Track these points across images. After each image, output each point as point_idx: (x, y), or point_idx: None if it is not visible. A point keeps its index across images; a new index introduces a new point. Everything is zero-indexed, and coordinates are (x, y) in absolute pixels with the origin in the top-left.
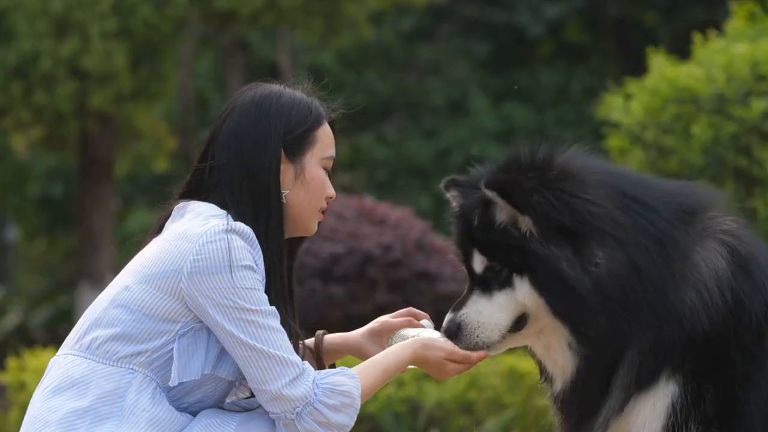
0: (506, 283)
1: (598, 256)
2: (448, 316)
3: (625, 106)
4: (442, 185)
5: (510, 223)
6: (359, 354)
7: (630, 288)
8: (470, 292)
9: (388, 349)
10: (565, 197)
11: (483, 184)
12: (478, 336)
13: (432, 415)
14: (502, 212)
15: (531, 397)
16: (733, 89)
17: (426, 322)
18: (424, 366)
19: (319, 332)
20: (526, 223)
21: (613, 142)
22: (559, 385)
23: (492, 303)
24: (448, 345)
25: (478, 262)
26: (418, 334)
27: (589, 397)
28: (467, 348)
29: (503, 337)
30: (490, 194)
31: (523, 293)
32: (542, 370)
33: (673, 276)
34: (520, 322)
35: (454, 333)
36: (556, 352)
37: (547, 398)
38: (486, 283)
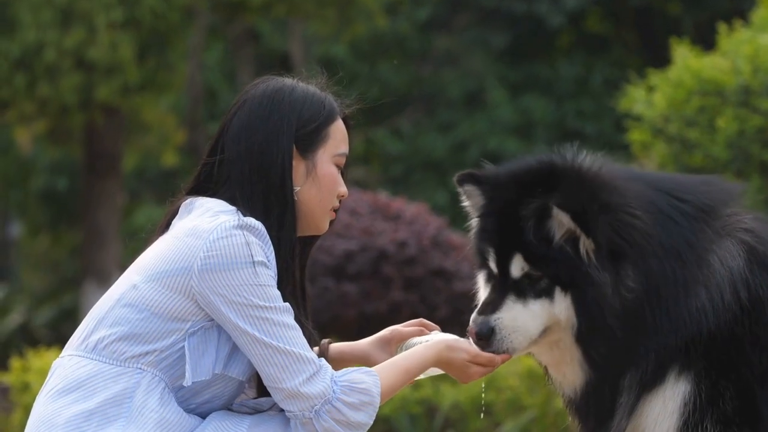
0: (544, 294)
1: (631, 278)
2: (479, 318)
3: (647, 98)
4: (455, 179)
5: (568, 239)
6: (366, 363)
7: (648, 308)
8: (502, 295)
9: (411, 350)
10: (626, 225)
11: (554, 203)
12: (511, 342)
13: (449, 416)
14: (562, 229)
15: (550, 399)
16: (759, 81)
17: (436, 333)
18: (448, 368)
19: (325, 341)
20: (587, 246)
21: (636, 135)
22: (569, 392)
23: (527, 310)
24: (473, 347)
25: (518, 267)
26: (429, 341)
27: (601, 403)
28: (495, 352)
29: (528, 344)
30: (562, 215)
31: (561, 308)
32: (549, 378)
33: (686, 283)
34: (543, 332)
35: (487, 336)
36: (566, 366)
37: (562, 402)
38: (521, 289)
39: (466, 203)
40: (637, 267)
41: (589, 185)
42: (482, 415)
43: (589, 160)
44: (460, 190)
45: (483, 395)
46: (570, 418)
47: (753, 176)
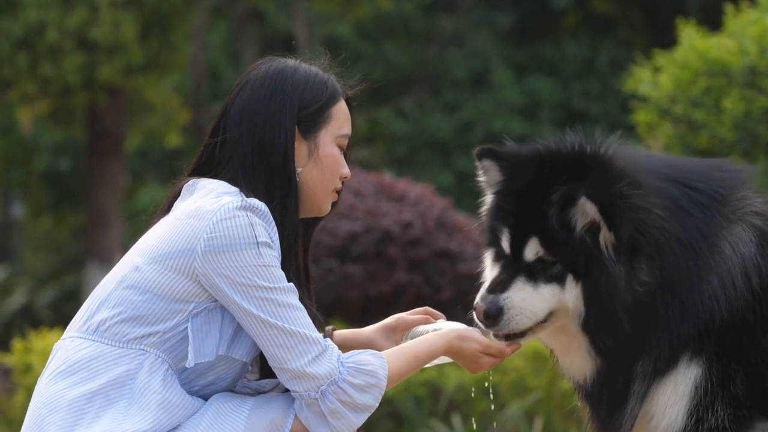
0: (555, 279)
1: (645, 272)
2: (488, 297)
3: (653, 79)
4: (475, 152)
5: (589, 230)
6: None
7: (661, 300)
8: (513, 276)
9: (422, 337)
10: (647, 222)
11: (584, 193)
12: (517, 323)
13: (453, 398)
14: (585, 219)
15: (555, 380)
16: (765, 62)
17: (442, 322)
18: (458, 357)
19: (328, 328)
20: (607, 238)
21: (641, 116)
22: (579, 379)
23: (536, 293)
24: (484, 338)
25: (532, 251)
26: (436, 329)
27: (615, 391)
28: (498, 331)
29: (533, 326)
30: (589, 206)
31: (571, 296)
32: (557, 362)
33: (699, 272)
34: (548, 316)
35: (495, 315)
36: (573, 354)
37: (572, 385)
38: (532, 272)
39: (481, 178)
40: (653, 261)
41: (617, 178)
42: (492, 399)
43: (612, 147)
44: (477, 164)
45: (490, 378)
46: (579, 403)
47: (759, 158)
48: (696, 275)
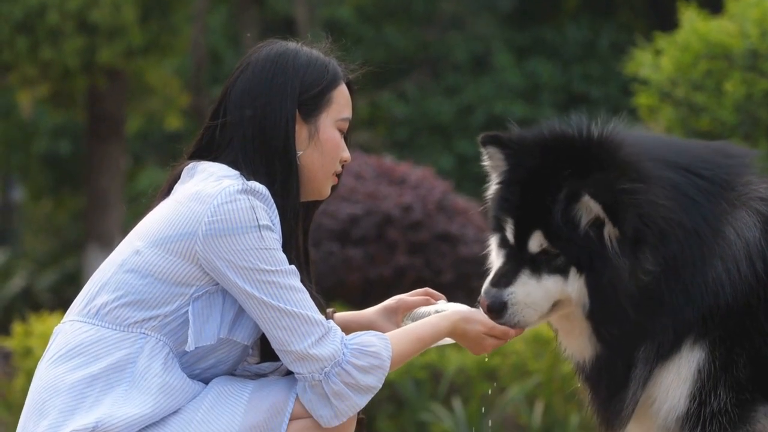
0: (559, 271)
1: (649, 261)
2: (492, 291)
3: (654, 62)
4: (479, 139)
5: (593, 225)
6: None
7: (665, 287)
8: (517, 269)
9: (425, 319)
10: (652, 215)
11: (587, 192)
12: (523, 316)
13: (454, 381)
14: (590, 215)
15: (556, 364)
16: (766, 45)
17: (442, 303)
18: (462, 339)
19: (329, 310)
20: (611, 233)
21: (642, 99)
22: (580, 362)
23: (540, 286)
24: (488, 320)
25: (536, 243)
26: (437, 310)
27: (615, 375)
28: (504, 324)
29: (538, 318)
30: (593, 204)
31: (575, 287)
32: (560, 342)
33: (703, 258)
34: (553, 306)
35: (499, 309)
36: (577, 339)
37: (572, 367)
38: (536, 264)
39: (486, 164)
40: (657, 250)
41: (621, 173)
42: (494, 384)
43: (618, 133)
44: (482, 150)
45: (486, 359)
46: (579, 385)
47: (761, 140)
48: (700, 260)
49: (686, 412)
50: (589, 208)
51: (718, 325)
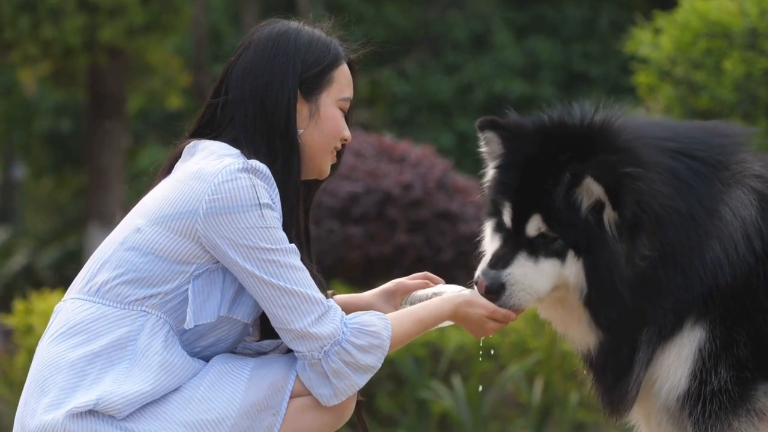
0: (557, 254)
1: (646, 247)
2: (490, 272)
3: (654, 40)
4: (477, 123)
5: (592, 209)
6: None
7: (663, 272)
8: (514, 251)
9: (428, 301)
10: (651, 201)
11: (589, 174)
12: (519, 298)
13: (454, 359)
14: (591, 198)
15: (555, 342)
16: (766, 23)
17: (441, 286)
18: (464, 322)
19: (329, 292)
20: (610, 217)
21: (642, 78)
22: (583, 350)
23: (537, 269)
24: (490, 304)
25: (534, 227)
26: (435, 293)
27: (619, 360)
28: (500, 305)
29: (534, 300)
30: (595, 187)
31: (572, 271)
32: (563, 334)
33: (699, 239)
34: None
35: (497, 290)
36: (575, 327)
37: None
38: (534, 247)
39: (483, 149)
40: (654, 236)
41: (622, 158)
42: (484, 358)
43: (617, 120)
44: (480, 135)
45: (480, 345)
46: (583, 371)
47: (760, 119)
48: (697, 243)
49: (687, 390)
50: (591, 191)
51: (719, 305)
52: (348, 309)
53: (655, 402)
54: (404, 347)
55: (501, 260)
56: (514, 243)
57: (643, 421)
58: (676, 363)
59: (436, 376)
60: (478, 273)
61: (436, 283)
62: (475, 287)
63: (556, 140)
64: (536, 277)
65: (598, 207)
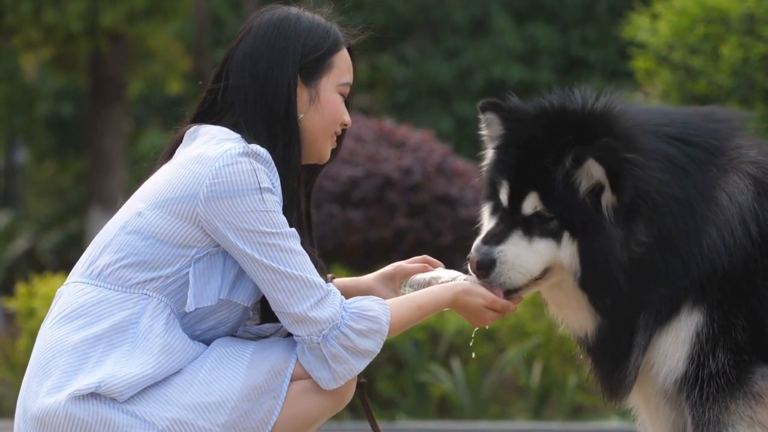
0: (552, 235)
1: (643, 232)
2: (483, 248)
3: (652, 26)
4: (479, 105)
5: (590, 193)
6: None
7: (660, 257)
8: (509, 229)
9: (428, 288)
10: (648, 187)
11: (592, 156)
12: (509, 277)
13: (453, 342)
14: (590, 180)
15: (554, 325)
16: (763, 8)
17: (440, 270)
18: (462, 311)
19: (328, 276)
20: (608, 200)
21: (640, 63)
22: (580, 335)
23: (531, 248)
24: (489, 293)
25: (530, 205)
26: (434, 277)
27: (618, 344)
28: (490, 284)
29: (529, 283)
30: (596, 168)
31: (567, 253)
32: (555, 315)
33: (696, 225)
34: (544, 272)
35: (487, 266)
36: (572, 311)
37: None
38: (529, 227)
39: (484, 132)
40: (650, 222)
41: (623, 142)
42: (471, 343)
43: (616, 106)
44: (481, 117)
45: (473, 335)
46: (581, 356)
47: (757, 104)
48: (694, 229)
49: (684, 374)
50: (591, 174)
51: (716, 289)
52: (347, 292)
53: (652, 387)
54: (404, 331)
55: (495, 237)
56: (510, 221)
57: (642, 405)
58: (673, 347)
59: (436, 359)
60: (471, 249)
61: (435, 267)
62: (469, 265)
63: (557, 123)
64: (529, 257)
65: (596, 191)
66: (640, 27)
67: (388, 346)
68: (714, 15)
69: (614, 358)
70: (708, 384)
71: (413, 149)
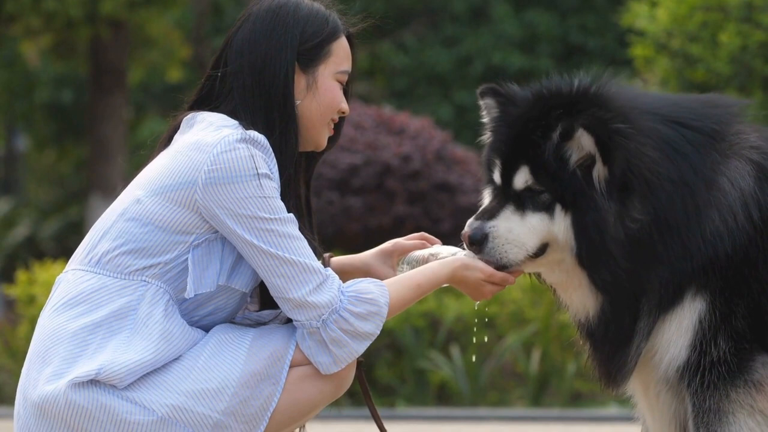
0: (544, 208)
1: (637, 210)
2: (473, 223)
3: (650, 13)
4: (478, 91)
5: (582, 165)
6: (367, 275)
7: (658, 238)
8: (502, 205)
9: (425, 266)
10: (640, 164)
11: (581, 125)
12: (505, 252)
13: (452, 329)
14: (581, 152)
15: (553, 312)
16: None
17: (438, 246)
18: (461, 286)
19: (326, 255)
20: (600, 173)
21: (638, 50)
22: (582, 317)
23: (524, 223)
24: (487, 267)
25: (521, 179)
26: (432, 253)
27: (620, 329)
28: (486, 261)
29: (526, 259)
30: (586, 138)
31: (560, 227)
32: (558, 299)
33: (697, 209)
34: (542, 249)
35: (479, 241)
36: (574, 291)
37: (572, 323)
38: (521, 202)
39: (484, 118)
40: (645, 200)
41: (614, 115)
42: (475, 327)
43: (611, 87)
44: (480, 103)
45: (475, 329)
46: (580, 341)
47: (756, 91)
48: (695, 212)
49: (687, 361)
50: (581, 145)
51: (719, 276)
52: (346, 270)
53: (654, 373)
54: (403, 317)
55: (487, 213)
56: (503, 197)
57: (641, 393)
58: (676, 334)
59: (435, 346)
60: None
61: (432, 244)
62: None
63: (549, 102)
64: (522, 231)
65: (587, 164)
66: (638, 14)
67: (388, 333)
68: (712, 2)
69: (615, 343)
70: (710, 372)
71: (412, 137)
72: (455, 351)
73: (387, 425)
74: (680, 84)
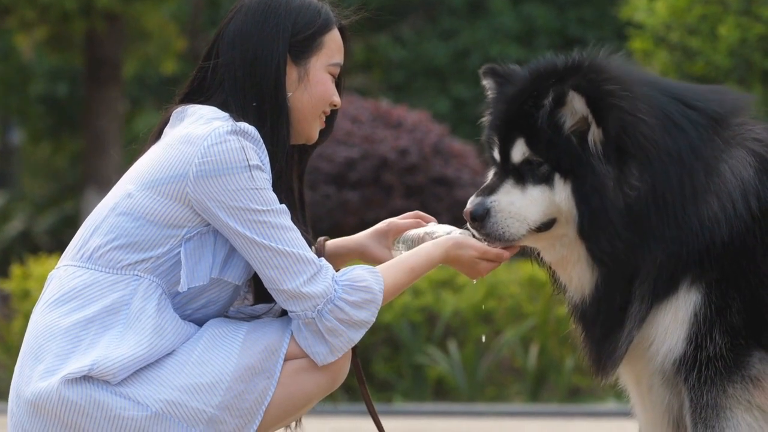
0: (544, 180)
1: (635, 177)
2: (474, 199)
3: (649, 6)
4: (480, 71)
5: (577, 131)
6: (363, 256)
7: (654, 211)
8: (502, 180)
9: (418, 247)
10: (634, 126)
11: (571, 86)
12: (507, 226)
13: (449, 324)
14: (575, 117)
15: (551, 307)
16: None
17: (433, 225)
18: (456, 264)
19: (321, 239)
20: (595, 136)
21: (637, 43)
22: (577, 297)
23: (525, 196)
24: (481, 244)
25: (519, 152)
26: (428, 232)
27: (611, 310)
28: (489, 236)
29: (528, 233)
30: (577, 99)
31: (561, 197)
32: (555, 281)
33: (695, 191)
34: (548, 225)
35: (481, 216)
36: (572, 266)
37: (567, 308)
38: (521, 175)
39: (487, 99)
40: (643, 168)
41: (606, 79)
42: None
43: (605, 60)
44: (484, 83)
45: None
46: (573, 327)
47: (755, 84)
48: (691, 194)
49: (683, 354)
50: (574, 108)
51: (715, 266)
52: (341, 252)
53: (649, 365)
54: (400, 312)
55: (488, 189)
56: (503, 172)
57: (632, 386)
58: (673, 325)
59: (432, 341)
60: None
61: (427, 222)
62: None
63: (543, 75)
64: (524, 205)
65: (583, 130)
66: (637, 7)
67: (385, 328)
68: None
69: (607, 325)
70: (706, 366)
71: (410, 130)
72: (452, 346)
73: (384, 420)
74: (679, 77)
